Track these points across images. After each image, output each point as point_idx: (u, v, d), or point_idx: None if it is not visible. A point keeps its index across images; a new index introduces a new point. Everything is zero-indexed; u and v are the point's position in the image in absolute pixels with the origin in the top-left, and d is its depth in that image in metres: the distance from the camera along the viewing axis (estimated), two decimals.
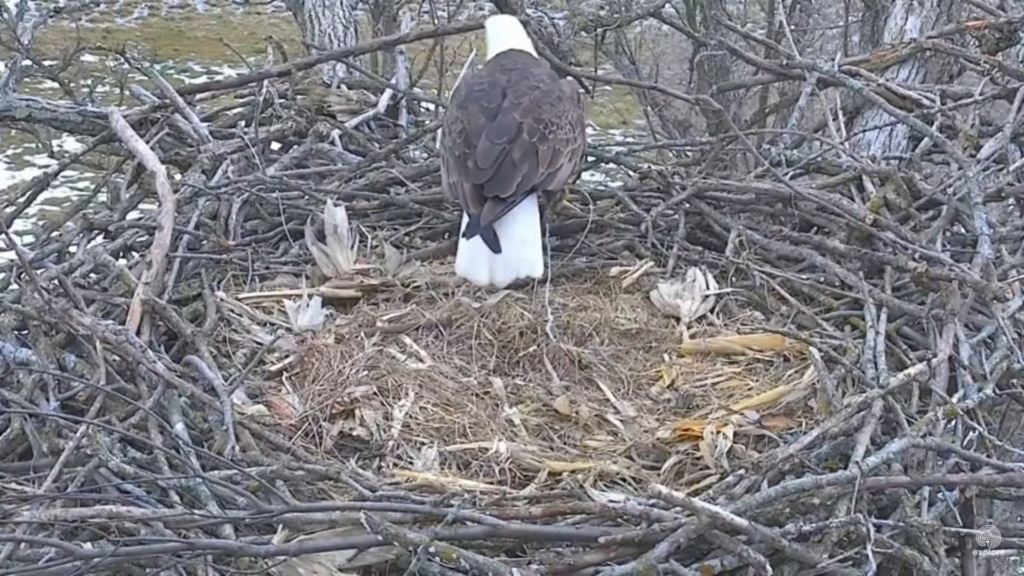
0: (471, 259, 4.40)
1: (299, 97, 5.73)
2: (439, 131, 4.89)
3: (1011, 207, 5.24)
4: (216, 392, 3.80)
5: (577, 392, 4.08)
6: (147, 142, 5.21)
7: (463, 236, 4.41)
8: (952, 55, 5.77)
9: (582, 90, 4.95)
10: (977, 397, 3.83)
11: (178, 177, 5.13)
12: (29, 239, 5.40)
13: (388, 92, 5.86)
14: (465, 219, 4.46)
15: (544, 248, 4.60)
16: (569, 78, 5.10)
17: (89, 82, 10.10)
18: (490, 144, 4.46)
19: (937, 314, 4.13)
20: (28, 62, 7.96)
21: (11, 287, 4.53)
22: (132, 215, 5.12)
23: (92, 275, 4.52)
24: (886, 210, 4.68)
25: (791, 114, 5.74)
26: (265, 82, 5.64)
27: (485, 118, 4.55)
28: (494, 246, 4.35)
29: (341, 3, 6.82)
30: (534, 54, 4.97)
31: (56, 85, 9.20)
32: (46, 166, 8.55)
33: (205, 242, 4.76)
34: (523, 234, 4.43)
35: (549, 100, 4.62)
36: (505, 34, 4.97)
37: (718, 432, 3.76)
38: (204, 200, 4.89)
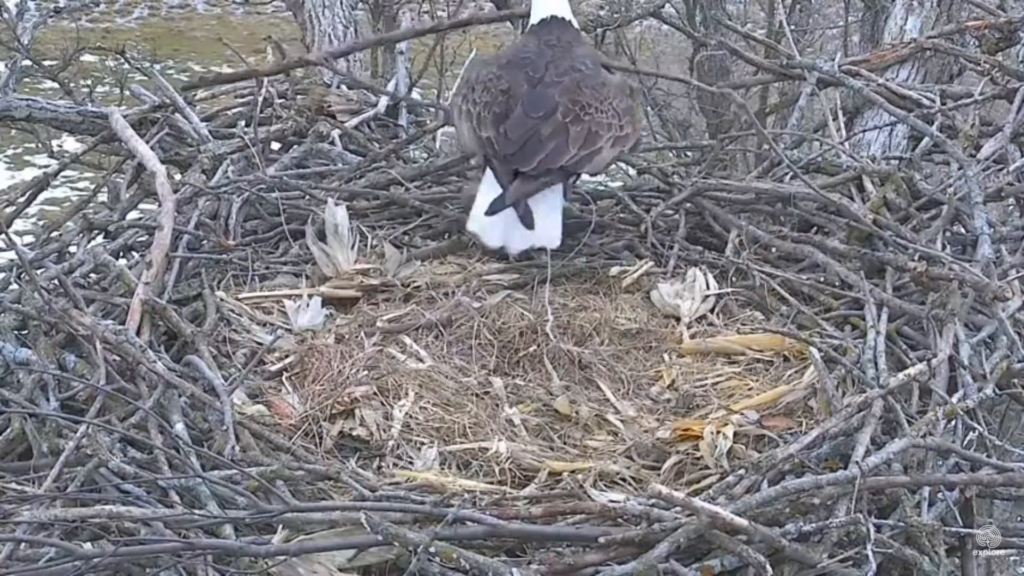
0: (490, 221, 4.49)
1: (299, 97, 5.73)
2: (458, 89, 4.89)
3: (1011, 207, 5.24)
4: (216, 392, 3.80)
5: (577, 392, 4.08)
6: (147, 142, 5.21)
7: (486, 212, 4.47)
8: (952, 55, 5.77)
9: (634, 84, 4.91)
10: (977, 397, 3.83)
11: (178, 177, 5.13)
12: (29, 239, 5.38)
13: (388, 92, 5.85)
14: (487, 189, 4.50)
15: (544, 248, 4.61)
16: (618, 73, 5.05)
17: (89, 82, 10.09)
18: (523, 115, 4.53)
19: (937, 314, 4.13)
20: (28, 62, 7.96)
21: (11, 287, 4.52)
22: (132, 215, 5.11)
23: (92, 275, 4.52)
24: (886, 210, 4.68)
25: (791, 114, 5.74)
26: (265, 81, 5.64)
27: (527, 84, 4.61)
28: (527, 221, 4.43)
29: (341, 3, 6.81)
30: (575, 24, 4.91)
31: (56, 85, 9.19)
32: (46, 166, 8.54)
33: (205, 242, 4.76)
34: (542, 206, 4.50)
35: (590, 84, 4.65)
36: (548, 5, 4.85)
37: (718, 432, 3.76)
38: (204, 200, 4.89)
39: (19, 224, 6.65)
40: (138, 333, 4.04)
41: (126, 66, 7.11)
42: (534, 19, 4.87)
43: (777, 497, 3.39)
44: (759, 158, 5.79)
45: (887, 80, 5.57)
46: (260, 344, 4.20)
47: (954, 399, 3.82)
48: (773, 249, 4.72)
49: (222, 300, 4.39)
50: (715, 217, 4.90)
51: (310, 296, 4.44)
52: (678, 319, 4.45)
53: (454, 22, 7.05)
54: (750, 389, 4.08)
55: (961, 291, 4.16)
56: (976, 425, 3.76)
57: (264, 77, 5.61)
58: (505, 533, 3.35)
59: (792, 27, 9.55)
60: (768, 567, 3.23)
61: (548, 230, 4.52)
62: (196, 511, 3.40)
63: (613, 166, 5.44)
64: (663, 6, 7.06)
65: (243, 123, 5.48)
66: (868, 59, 5.86)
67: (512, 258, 4.65)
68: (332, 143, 5.45)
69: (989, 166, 4.90)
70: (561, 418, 3.97)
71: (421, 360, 4.15)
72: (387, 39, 6.19)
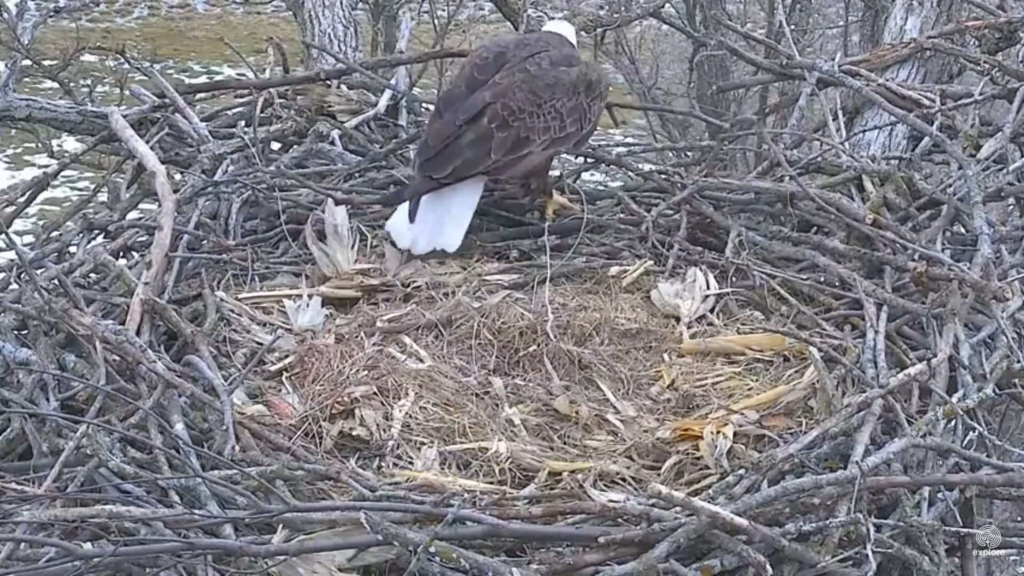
0: (400, 223, 4.64)
1: (299, 97, 5.73)
2: None
3: (1011, 207, 5.24)
4: (216, 392, 3.80)
5: (577, 392, 4.08)
6: (147, 142, 5.20)
7: (383, 202, 4.73)
8: (952, 55, 5.77)
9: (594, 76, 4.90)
10: (977, 397, 3.83)
11: (178, 177, 5.12)
12: (29, 239, 5.39)
13: (388, 92, 5.85)
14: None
15: (543, 248, 4.62)
16: (587, 63, 5.08)
17: (89, 82, 10.10)
18: (450, 121, 4.60)
19: (937, 314, 4.13)
20: (28, 62, 7.96)
21: (11, 287, 4.52)
22: (132, 215, 5.11)
23: (92, 275, 4.52)
24: (886, 210, 4.68)
25: (791, 114, 5.74)
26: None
27: (467, 88, 4.68)
28: (412, 215, 4.58)
29: (341, 3, 6.81)
30: (571, 39, 5.01)
31: (56, 85, 9.20)
32: (46, 166, 8.55)
33: (205, 242, 4.76)
34: (451, 211, 4.62)
35: (532, 86, 4.67)
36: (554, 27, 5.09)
37: (718, 432, 3.76)
38: (204, 200, 4.89)
39: (19, 224, 6.66)
40: (138, 333, 4.04)
41: (126, 66, 7.11)
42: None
43: (777, 497, 3.39)
44: (759, 158, 5.79)
45: (887, 80, 5.57)
46: (260, 344, 4.20)
47: (954, 399, 3.82)
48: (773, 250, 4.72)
49: (222, 300, 4.39)
50: (714, 220, 4.89)
51: (310, 296, 4.44)
52: (678, 319, 4.44)
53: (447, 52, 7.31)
54: (750, 389, 4.08)
55: (961, 291, 4.16)
56: (976, 425, 3.76)
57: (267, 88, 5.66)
58: (505, 533, 3.35)
59: (792, 27, 9.55)
60: (768, 567, 3.23)
61: (447, 233, 4.61)
62: (196, 511, 3.40)
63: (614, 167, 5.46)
64: (663, 6, 7.08)
65: (243, 123, 5.48)
66: (868, 59, 5.86)
67: (512, 258, 4.68)
68: (332, 143, 5.44)
69: (989, 166, 4.90)
70: (561, 418, 3.96)
71: (421, 360, 4.15)
72: (384, 63, 6.27)
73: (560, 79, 4.72)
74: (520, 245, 4.75)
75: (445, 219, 4.62)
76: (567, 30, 5.04)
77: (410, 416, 3.88)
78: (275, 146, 5.53)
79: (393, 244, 4.66)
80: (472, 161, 4.57)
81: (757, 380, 4.13)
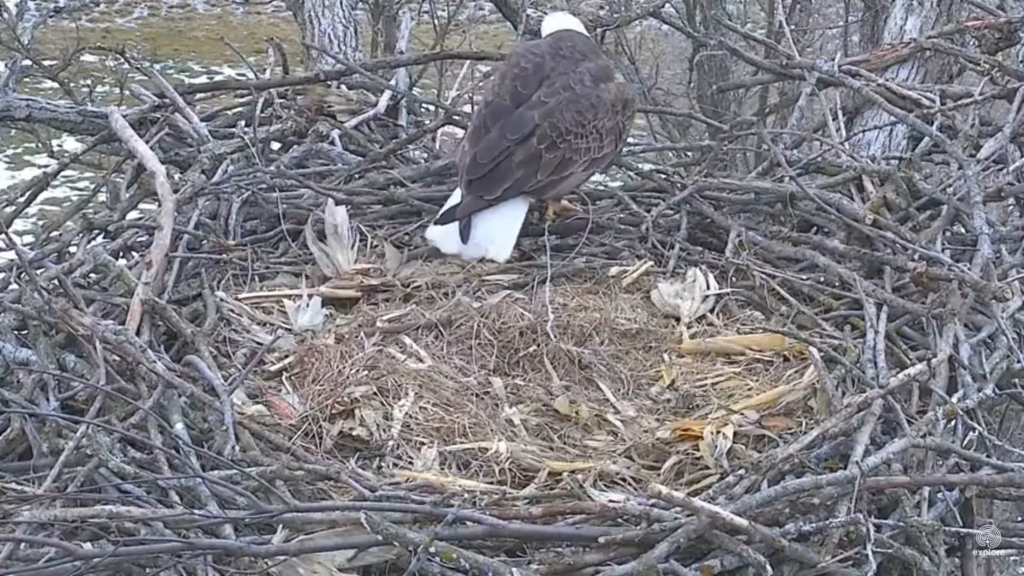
0: (445, 231, 4.62)
1: (299, 97, 5.73)
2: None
3: (1011, 207, 5.24)
4: (216, 392, 3.80)
5: (577, 392, 4.08)
6: (147, 142, 5.20)
7: (435, 221, 4.65)
8: (952, 55, 5.78)
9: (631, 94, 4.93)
10: (977, 397, 3.84)
11: (178, 177, 5.12)
12: (29, 239, 5.38)
13: (388, 92, 5.85)
14: (453, 199, 4.65)
15: (544, 248, 4.62)
16: (620, 80, 5.08)
17: (89, 82, 10.10)
18: (499, 137, 4.58)
19: (937, 314, 4.13)
20: (28, 62, 7.96)
21: (11, 287, 4.52)
22: (132, 215, 5.11)
23: (92, 275, 4.52)
24: (886, 210, 4.68)
25: (791, 114, 5.74)
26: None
27: (512, 102, 4.66)
28: (464, 235, 4.57)
29: (341, 3, 6.81)
30: (584, 31, 5.02)
31: (56, 85, 9.20)
32: (46, 166, 8.55)
33: (205, 242, 4.76)
34: (501, 224, 4.61)
35: (577, 107, 4.67)
36: (561, 21, 5.04)
37: (718, 432, 3.76)
38: (204, 200, 4.89)
39: (19, 224, 6.65)
40: (138, 333, 4.04)
41: (126, 66, 7.11)
42: (546, 31, 4.97)
43: (777, 497, 3.39)
44: (759, 158, 5.79)
45: (887, 80, 5.57)
46: (260, 344, 4.20)
47: (954, 399, 3.82)
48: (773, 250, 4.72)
49: (222, 300, 4.39)
50: (714, 220, 4.90)
51: (310, 296, 4.44)
52: (678, 319, 4.45)
53: (448, 53, 7.36)
54: (750, 389, 4.08)
55: (961, 291, 4.16)
56: (976, 425, 3.76)
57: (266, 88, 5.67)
58: (505, 533, 3.35)
59: (792, 27, 9.55)
60: (768, 567, 3.23)
61: (498, 242, 4.61)
62: (196, 511, 3.40)
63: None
64: (663, 6, 7.08)
65: (243, 123, 5.48)
66: (868, 59, 5.86)
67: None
68: (332, 143, 5.45)
69: (989, 166, 4.91)
70: (561, 418, 3.97)
71: (421, 360, 4.15)
72: (385, 64, 6.29)
73: (602, 99, 4.72)
74: (520, 245, 4.75)
75: (494, 229, 4.62)
76: (576, 23, 5.03)
77: (410, 416, 3.88)
78: (275, 146, 5.53)
79: (438, 250, 4.67)
80: (521, 181, 4.58)
81: (757, 380, 4.13)
